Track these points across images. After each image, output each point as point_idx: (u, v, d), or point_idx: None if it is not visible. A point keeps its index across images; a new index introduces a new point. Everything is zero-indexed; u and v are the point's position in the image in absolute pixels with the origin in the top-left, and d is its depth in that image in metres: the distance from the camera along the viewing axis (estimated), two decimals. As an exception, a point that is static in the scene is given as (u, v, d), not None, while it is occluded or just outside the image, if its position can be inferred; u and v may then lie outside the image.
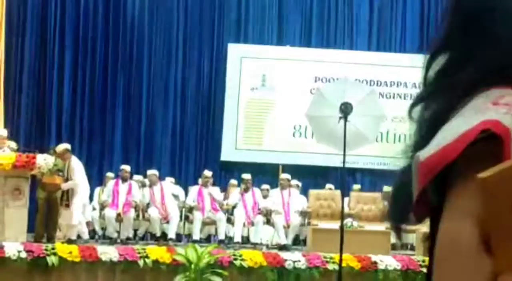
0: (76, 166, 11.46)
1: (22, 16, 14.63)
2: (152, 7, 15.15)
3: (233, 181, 13.49)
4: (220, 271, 8.87)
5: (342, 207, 8.96)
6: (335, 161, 14.14)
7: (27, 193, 9.71)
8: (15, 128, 13.97)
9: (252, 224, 12.45)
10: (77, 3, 14.88)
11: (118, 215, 12.06)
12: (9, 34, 14.27)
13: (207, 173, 12.94)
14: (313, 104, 8.27)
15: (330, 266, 9.28)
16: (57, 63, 14.71)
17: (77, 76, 14.82)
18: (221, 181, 14.45)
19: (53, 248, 8.90)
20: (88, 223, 12.50)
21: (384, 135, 15.09)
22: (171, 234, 12.09)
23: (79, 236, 11.73)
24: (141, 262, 9.01)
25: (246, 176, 12.85)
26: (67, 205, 11.13)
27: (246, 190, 12.66)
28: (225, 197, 13.02)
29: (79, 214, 11.51)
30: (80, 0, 14.90)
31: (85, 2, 14.93)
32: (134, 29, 15.05)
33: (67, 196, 11.06)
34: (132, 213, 12.20)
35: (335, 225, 10.56)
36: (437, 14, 15.69)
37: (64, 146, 11.55)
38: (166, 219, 12.26)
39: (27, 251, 8.75)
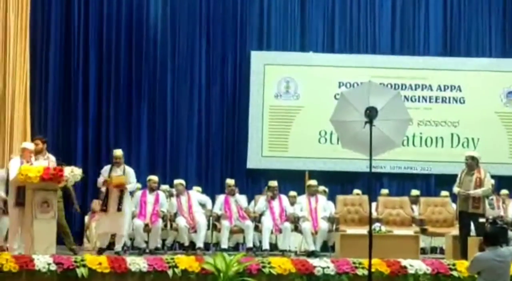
0: (131, 171, 11.75)
1: (46, 27, 14.70)
2: (174, 16, 15.19)
3: (262, 189, 13.46)
4: (249, 279, 8.84)
5: (370, 212, 8.90)
6: (362, 166, 14.10)
7: (56, 205, 9.76)
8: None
9: (280, 231, 12.43)
10: (100, 14, 14.95)
11: (146, 225, 12.10)
12: (33, 47, 14.37)
13: (230, 181, 12.95)
14: (337, 109, 8.22)
15: (360, 272, 9.21)
16: (82, 75, 14.78)
17: (101, 87, 14.87)
18: (248, 189, 14.45)
19: (82, 260, 8.91)
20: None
21: (410, 139, 15.02)
22: (199, 243, 12.10)
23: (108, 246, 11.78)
24: (170, 272, 8.99)
25: (273, 183, 12.84)
26: (119, 210, 11.43)
27: (273, 197, 12.65)
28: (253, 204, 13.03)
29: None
30: (103, 11, 14.96)
31: (108, 13, 14.98)
32: (157, 39, 15.09)
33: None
34: (160, 223, 12.23)
35: (363, 230, 10.52)
36: (460, 16, 15.62)
37: (119, 151, 11.76)
38: (193, 228, 12.27)
39: (57, 263, 8.76)
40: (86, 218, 13.52)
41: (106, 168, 11.74)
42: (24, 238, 9.85)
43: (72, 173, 9.76)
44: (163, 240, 12.67)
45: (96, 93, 14.85)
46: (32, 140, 11.12)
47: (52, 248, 9.51)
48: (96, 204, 13.46)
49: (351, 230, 11.57)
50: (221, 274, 8.68)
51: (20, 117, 13.82)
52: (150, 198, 12.46)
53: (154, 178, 12.83)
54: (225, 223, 12.38)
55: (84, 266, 8.81)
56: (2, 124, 13.65)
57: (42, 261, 8.77)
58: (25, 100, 13.95)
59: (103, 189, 11.83)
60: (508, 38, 15.65)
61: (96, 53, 14.91)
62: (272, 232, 12.47)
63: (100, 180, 11.72)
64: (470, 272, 7.63)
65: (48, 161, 10.60)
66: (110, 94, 14.87)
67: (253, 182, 14.69)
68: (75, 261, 8.86)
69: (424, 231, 12.46)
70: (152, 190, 12.56)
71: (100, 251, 11.28)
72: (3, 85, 13.69)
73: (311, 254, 11.87)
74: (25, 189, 9.77)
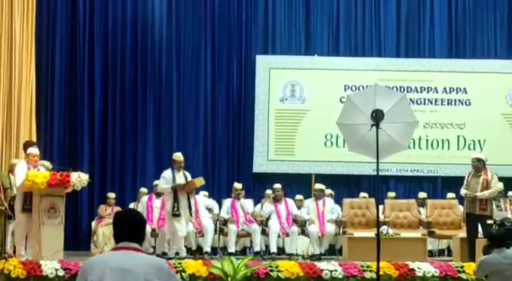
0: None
1: (52, 36, 14.74)
2: (179, 21, 15.21)
3: (268, 192, 13.46)
4: (257, 283, 8.85)
5: (377, 215, 8.88)
6: (368, 169, 14.14)
7: (63, 211, 9.77)
8: (48, 147, 14.10)
9: (287, 234, 12.43)
10: (106, 19, 14.97)
11: (153, 230, 12.10)
12: (39, 55, 14.40)
13: (237, 185, 12.97)
14: (343, 112, 8.22)
15: (368, 275, 9.21)
16: (87, 80, 14.80)
17: (107, 92, 14.89)
18: (254, 193, 14.45)
19: (90, 265, 8.91)
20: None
21: (417, 142, 15.00)
22: (207, 248, 12.12)
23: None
24: (178, 276, 9.01)
25: (276, 185, 12.85)
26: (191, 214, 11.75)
27: (276, 199, 12.64)
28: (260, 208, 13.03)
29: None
30: (109, 16, 14.98)
31: (113, 17, 15.01)
32: (162, 44, 15.11)
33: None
34: (167, 228, 12.22)
35: (371, 233, 10.51)
36: (465, 18, 15.60)
37: (181, 155, 11.87)
38: (200, 233, 12.28)
39: (65, 269, 8.78)
40: (93, 224, 13.53)
41: (168, 172, 11.69)
42: (31, 244, 9.86)
43: (79, 178, 9.76)
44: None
45: (102, 98, 14.87)
46: (30, 145, 11.01)
47: (60, 254, 9.51)
48: (102, 209, 13.50)
49: (358, 233, 11.57)
50: (229, 278, 8.68)
51: (26, 122, 13.82)
52: (157, 202, 12.48)
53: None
54: (232, 227, 12.38)
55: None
56: (9, 128, 13.66)
57: (50, 266, 8.78)
58: (31, 104, 13.96)
59: (167, 193, 11.67)
60: (513, 39, 15.65)
61: (102, 58, 14.94)
62: (279, 236, 12.48)
63: (164, 185, 11.62)
64: (478, 276, 7.58)
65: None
66: (116, 99, 14.89)
67: (260, 186, 14.67)
68: (83, 267, 8.86)
69: (431, 234, 12.45)
70: (158, 195, 12.58)
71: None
72: (9, 89, 13.70)
73: (319, 257, 11.87)
74: (31, 194, 9.78)
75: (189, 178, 11.69)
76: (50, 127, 14.58)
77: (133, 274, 3.92)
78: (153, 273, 3.96)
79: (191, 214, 11.65)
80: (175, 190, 11.44)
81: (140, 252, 4.06)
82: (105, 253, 4.12)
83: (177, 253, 11.44)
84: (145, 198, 12.80)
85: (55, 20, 14.82)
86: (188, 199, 11.56)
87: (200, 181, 11.75)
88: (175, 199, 11.47)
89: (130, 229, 4.08)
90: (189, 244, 12.33)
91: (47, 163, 11.23)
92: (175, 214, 11.43)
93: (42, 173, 9.89)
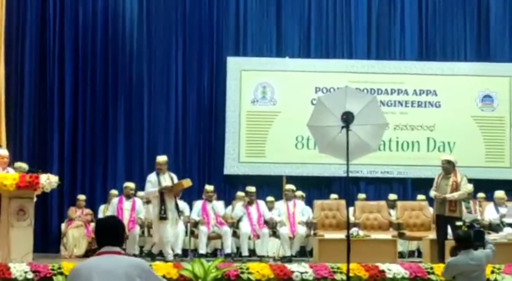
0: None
1: (21, 37, 14.62)
2: (150, 22, 15.16)
3: (239, 194, 13.45)
4: (227, 285, 8.84)
5: (348, 216, 8.92)
6: (339, 171, 14.17)
7: (32, 213, 9.70)
8: (18, 149, 13.97)
9: (258, 237, 12.44)
10: (76, 21, 14.85)
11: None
12: (8, 56, 14.28)
13: (209, 187, 12.98)
14: (314, 114, 8.24)
15: (338, 277, 9.24)
16: (58, 83, 14.68)
17: (77, 94, 14.76)
18: (225, 195, 14.44)
19: (59, 267, 8.87)
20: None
21: (387, 143, 15.07)
22: (177, 250, 12.06)
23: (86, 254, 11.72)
24: (160, 275, 8.97)
25: (250, 189, 12.86)
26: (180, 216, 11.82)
27: (250, 203, 12.67)
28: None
29: None
30: (79, 18, 14.87)
31: (84, 19, 14.90)
32: (133, 46, 15.04)
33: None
34: (137, 230, 12.21)
35: (341, 235, 10.54)
36: (435, 21, 15.70)
37: (164, 157, 11.88)
38: (171, 235, 12.22)
39: (34, 271, 8.72)
40: (63, 226, 13.44)
41: (153, 175, 11.63)
42: (0, 246, 9.77)
43: (48, 180, 9.70)
44: (141, 247, 12.63)
45: (72, 100, 14.76)
46: None
47: (29, 256, 9.45)
48: (72, 211, 13.41)
49: (329, 235, 11.61)
50: (200, 280, 8.67)
51: (-5, 123, 13.73)
52: (127, 205, 12.45)
53: (131, 185, 12.84)
54: (203, 229, 12.37)
55: (61, 273, 8.77)
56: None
57: (19, 269, 8.72)
58: (0, 106, 13.85)
59: (154, 196, 11.63)
60: (482, 42, 15.75)
61: (72, 59, 14.83)
62: (250, 238, 12.47)
63: (151, 189, 11.56)
64: (446, 277, 7.64)
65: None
66: (86, 101, 14.80)
67: (231, 188, 14.65)
68: (52, 269, 8.81)
69: (401, 235, 12.51)
70: (128, 197, 12.55)
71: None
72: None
73: (289, 259, 11.88)
74: (0, 197, 9.69)
75: (175, 180, 11.66)
76: (19, 129, 14.46)
77: (116, 275, 4.21)
78: (134, 273, 4.25)
79: (179, 216, 11.63)
80: (162, 193, 11.38)
81: (122, 254, 4.39)
82: (90, 259, 4.41)
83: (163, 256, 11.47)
84: (115, 200, 12.74)
85: (24, 21, 14.69)
86: (176, 201, 11.52)
87: (187, 182, 11.70)
88: (162, 202, 11.41)
89: (111, 235, 4.42)
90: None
91: (24, 165, 11.17)
92: (162, 217, 11.37)
93: (11, 175, 9.81)
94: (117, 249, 4.40)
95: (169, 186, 11.43)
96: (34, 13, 14.77)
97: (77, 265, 4.43)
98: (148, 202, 12.62)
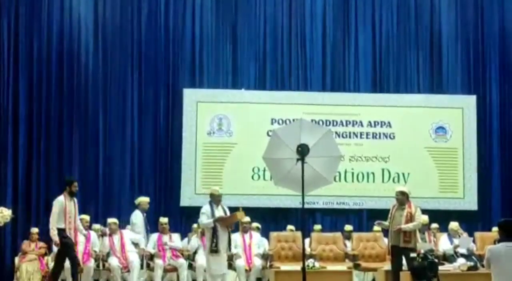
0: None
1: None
2: (106, 53, 15.13)
3: (195, 226, 13.39)
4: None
5: (303, 248, 8.94)
6: (295, 202, 14.19)
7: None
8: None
9: (214, 269, 12.35)
10: (31, 48, 14.80)
11: (78, 265, 11.91)
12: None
13: (163, 220, 12.95)
14: (270, 146, 8.29)
15: (294, 309, 9.24)
16: (12, 113, 14.58)
17: (32, 125, 14.65)
18: (182, 227, 14.37)
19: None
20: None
21: (342, 175, 15.15)
22: (132, 283, 11.97)
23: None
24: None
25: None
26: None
27: (203, 234, 12.59)
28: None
29: None
30: (33, 45, 14.82)
31: (39, 46, 14.84)
32: (89, 77, 14.99)
33: None
34: (92, 263, 12.09)
35: (297, 266, 10.53)
36: (388, 53, 15.90)
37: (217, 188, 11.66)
38: (126, 268, 12.16)
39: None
40: (16, 260, 13.25)
41: (207, 207, 11.29)
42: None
43: (2, 214, 9.60)
44: (96, 280, 12.50)
45: (26, 133, 14.63)
46: None
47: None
48: (26, 245, 13.24)
49: (285, 267, 11.60)
50: (155, 314, 8.62)
51: None
52: (82, 237, 12.31)
53: (86, 217, 12.73)
54: (158, 262, 12.30)
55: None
56: None
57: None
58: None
59: (209, 227, 11.21)
60: (435, 74, 15.96)
61: (26, 88, 14.73)
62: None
63: (205, 220, 11.18)
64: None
65: None
66: (40, 134, 14.68)
67: (187, 220, 14.58)
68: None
69: (357, 266, 12.56)
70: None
71: None
72: None
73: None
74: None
75: (228, 212, 11.44)
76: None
77: None
78: None
79: (230, 250, 11.42)
80: (215, 225, 11.11)
81: None
82: None
83: None
84: (69, 233, 12.60)
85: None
86: (229, 234, 11.31)
87: (241, 214, 11.38)
88: (214, 234, 11.10)
89: None
90: (115, 280, 12.16)
91: None
92: (213, 250, 11.05)
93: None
94: None
95: (224, 217, 11.18)
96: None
97: None
98: (103, 234, 12.51)
